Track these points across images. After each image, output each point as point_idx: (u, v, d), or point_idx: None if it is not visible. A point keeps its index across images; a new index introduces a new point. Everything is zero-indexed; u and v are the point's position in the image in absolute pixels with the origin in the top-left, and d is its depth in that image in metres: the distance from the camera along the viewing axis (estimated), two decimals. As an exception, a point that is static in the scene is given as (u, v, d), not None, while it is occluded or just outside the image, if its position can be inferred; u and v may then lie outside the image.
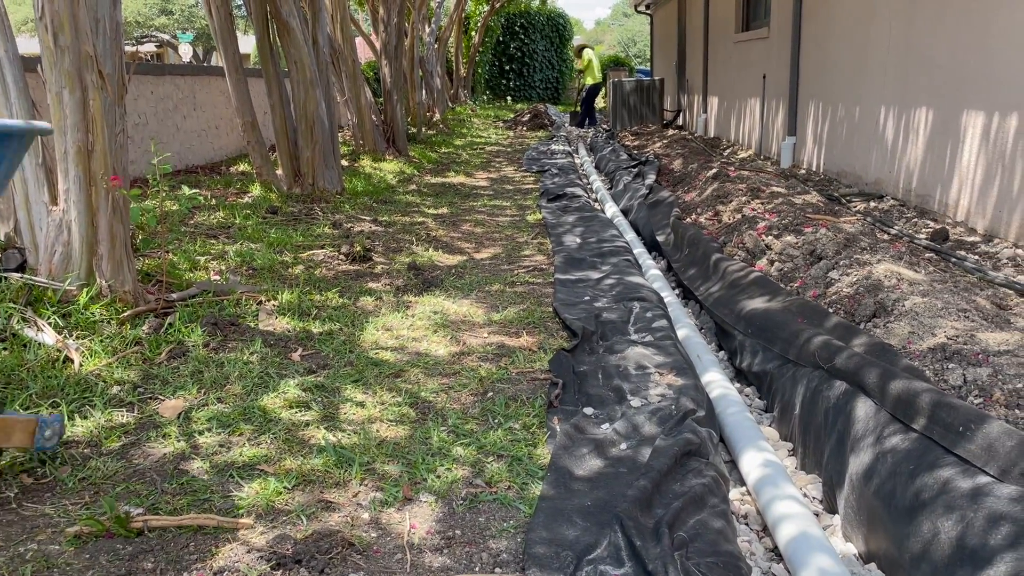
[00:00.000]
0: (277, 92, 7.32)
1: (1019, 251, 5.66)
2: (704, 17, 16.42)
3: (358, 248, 5.55)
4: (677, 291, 6.38)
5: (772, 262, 5.28)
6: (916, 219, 6.95)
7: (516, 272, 5.78)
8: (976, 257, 5.55)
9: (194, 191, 4.17)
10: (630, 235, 7.60)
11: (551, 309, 4.76)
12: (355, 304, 4.62)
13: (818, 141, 9.92)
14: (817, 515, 3.20)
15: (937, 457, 2.60)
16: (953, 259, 5.36)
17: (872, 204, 7.73)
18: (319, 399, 3.22)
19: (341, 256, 5.58)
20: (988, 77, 6.07)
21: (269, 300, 4.42)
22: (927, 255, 5.43)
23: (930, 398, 2.76)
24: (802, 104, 10.55)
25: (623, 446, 2.90)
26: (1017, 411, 2.77)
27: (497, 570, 2.17)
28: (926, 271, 4.38)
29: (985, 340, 3.25)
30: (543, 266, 6.05)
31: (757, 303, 4.66)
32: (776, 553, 2.88)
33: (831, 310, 4.19)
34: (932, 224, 6.63)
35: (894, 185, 7.76)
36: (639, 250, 6.98)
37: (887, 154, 7.91)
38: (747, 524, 3.12)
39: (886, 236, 5.89)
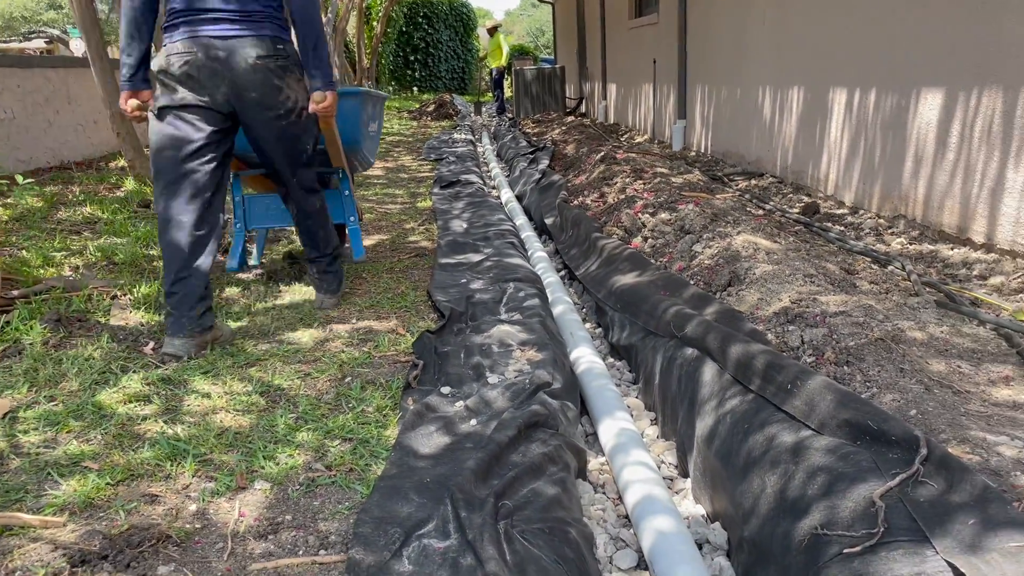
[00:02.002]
0: (147, 81, 7.02)
1: (881, 220, 5.90)
2: (600, 4, 16.58)
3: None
4: (563, 272, 6.43)
5: (646, 239, 5.36)
6: (792, 195, 7.17)
7: (399, 258, 5.71)
8: (841, 228, 5.76)
9: (28, 181, 3.95)
10: (521, 219, 7.62)
11: (426, 293, 4.72)
12: (221, 295, 4.47)
13: (706, 123, 10.15)
14: (672, 480, 3.27)
15: (769, 415, 2.67)
16: (816, 228, 5.54)
17: (753, 182, 7.94)
18: (162, 392, 3.10)
19: (212, 248, 5.40)
20: (852, 53, 6.29)
21: (125, 294, 4.23)
22: (796, 228, 5.61)
23: (765, 359, 2.83)
24: (691, 88, 10.76)
25: (473, 422, 2.88)
26: (845, 368, 2.86)
27: (322, 552, 2.12)
28: (785, 241, 4.51)
29: (826, 302, 3.36)
30: (427, 251, 6.00)
31: (628, 279, 4.72)
32: (627, 518, 2.92)
33: (692, 281, 4.28)
34: (806, 199, 6.85)
35: (772, 163, 8.00)
36: (528, 234, 7.00)
37: (766, 133, 8.14)
38: (603, 492, 3.15)
39: (760, 212, 6.05)
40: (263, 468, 2.56)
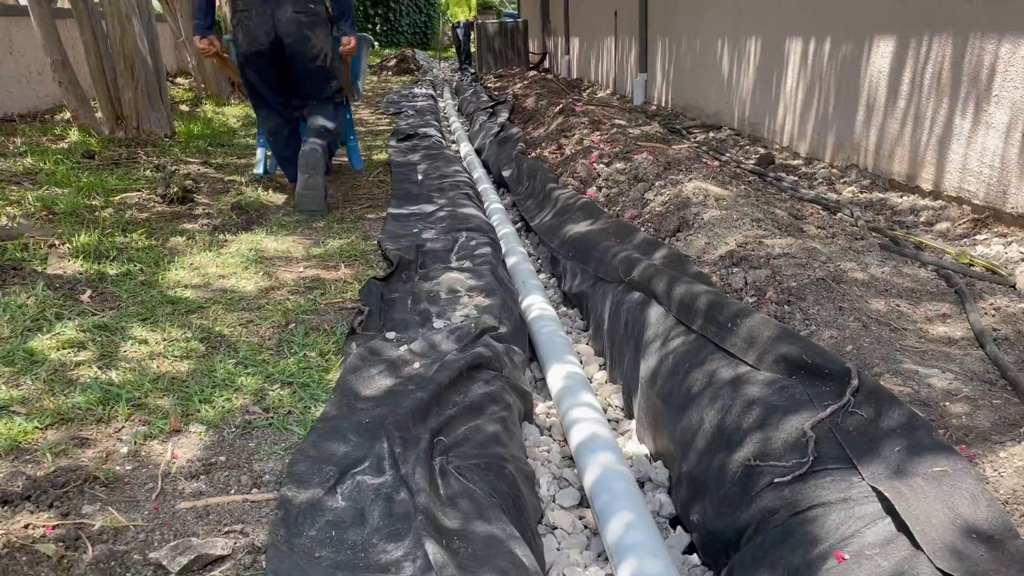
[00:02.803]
0: (89, 27, 6.77)
1: (834, 170, 5.93)
2: (562, -44, 16.34)
3: (176, 189, 5.25)
4: (519, 224, 6.39)
5: (600, 189, 5.34)
6: (748, 147, 7.18)
7: (351, 208, 5.63)
8: (795, 178, 5.78)
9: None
10: (479, 172, 7.54)
11: (376, 243, 4.66)
12: (163, 245, 4.37)
13: (667, 77, 10.09)
14: (617, 422, 3.29)
15: (709, 353, 2.68)
16: (771, 179, 5.56)
17: (711, 135, 7.93)
18: (99, 339, 3.02)
19: (157, 198, 5.27)
20: (807, 1, 6.27)
21: (64, 243, 4.12)
22: (750, 178, 5.62)
23: (707, 299, 2.84)
24: (652, 41, 10.68)
25: (416, 365, 2.86)
26: (786, 307, 2.88)
27: (255, 491, 2.09)
28: (736, 189, 4.51)
29: (772, 245, 3.37)
30: (380, 203, 5.91)
31: (581, 228, 4.70)
32: (571, 459, 2.93)
33: (642, 228, 4.27)
34: (762, 151, 6.86)
35: (731, 116, 7.99)
36: (485, 186, 6.94)
37: (724, 86, 8.11)
38: (550, 435, 3.16)
39: (716, 162, 6.05)
40: (199, 412, 2.52)
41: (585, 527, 2.63)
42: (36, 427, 2.35)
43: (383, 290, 3.66)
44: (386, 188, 6.52)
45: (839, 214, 4.71)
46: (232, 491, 2.09)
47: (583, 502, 2.71)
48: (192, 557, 1.72)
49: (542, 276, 5.08)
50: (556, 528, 2.61)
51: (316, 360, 2.95)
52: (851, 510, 1.83)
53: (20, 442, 2.27)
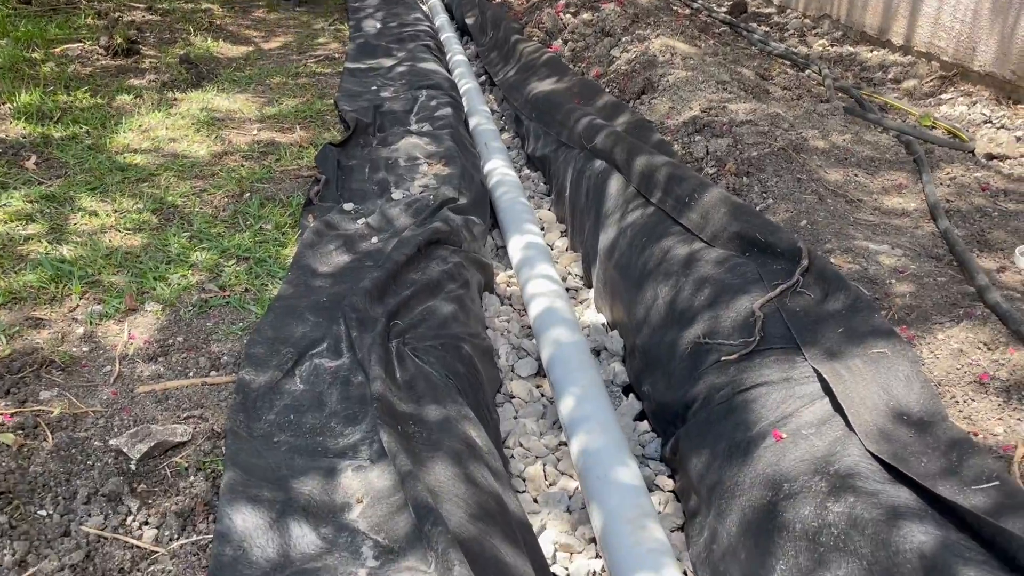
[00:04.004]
0: None
1: (807, 20, 5.76)
2: None
3: (119, 40, 4.97)
4: (482, 78, 6.19)
5: (566, 42, 5.14)
6: (721, -7, 6.90)
7: (305, 63, 5.39)
8: (766, 29, 5.61)
9: None
10: (441, 18, 7.18)
11: (333, 102, 4.50)
12: (110, 104, 4.18)
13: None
14: (576, 291, 3.33)
15: (666, 228, 2.69)
16: (741, 29, 5.39)
17: (683, -22, 7.59)
18: (47, 211, 2.95)
19: (101, 50, 4.99)
20: None
21: (4, 103, 3.92)
22: (720, 29, 5.44)
23: (667, 171, 2.81)
24: None
25: (374, 240, 2.84)
26: (745, 179, 2.87)
27: (213, 373, 2.12)
28: (705, 44, 4.37)
29: (735, 111, 3.31)
30: (336, 55, 5.66)
31: (545, 86, 4.56)
32: (530, 328, 2.98)
33: (607, 89, 4.16)
34: (735, -2, 6.61)
35: (704, -43, 7.61)
36: (448, 35, 6.63)
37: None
38: (510, 304, 3.20)
39: (686, 11, 5.82)
40: (154, 289, 2.50)
41: (542, 395, 2.72)
42: (-13, 308, 2.32)
43: (340, 156, 3.57)
44: (341, 37, 6.24)
45: (807, 71, 4.62)
46: (191, 374, 2.11)
47: (540, 371, 2.78)
48: (152, 444, 1.76)
49: (506, 136, 4.97)
50: (514, 397, 2.70)
51: (272, 233, 2.92)
52: (792, 389, 1.91)
53: (-28, 325, 2.25)
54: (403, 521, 1.53)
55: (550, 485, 2.34)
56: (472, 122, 4.65)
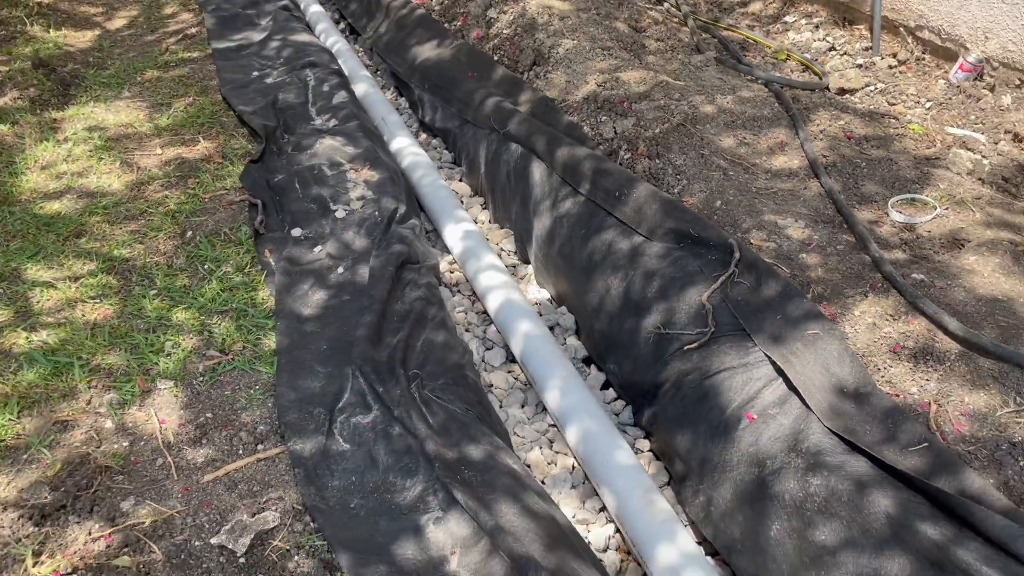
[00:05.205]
0: None
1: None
2: None
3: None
4: (342, 25, 6.15)
5: (433, -4, 5.22)
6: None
7: (165, 46, 5.20)
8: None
9: None
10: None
11: (220, 96, 4.46)
12: (-11, 140, 4.01)
13: None
14: (515, 267, 3.67)
15: (602, 220, 3.05)
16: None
17: None
18: (2, 292, 2.96)
19: (-57, 69, 4.64)
20: None
21: None
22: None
23: (591, 164, 3.16)
24: None
25: (340, 270, 3.05)
26: (657, 161, 3.26)
27: (259, 447, 2.36)
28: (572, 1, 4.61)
29: (627, 81, 3.64)
30: (192, 28, 5.48)
31: (427, 50, 4.69)
32: (485, 314, 3.32)
33: (496, 57, 4.37)
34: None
35: None
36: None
37: None
38: (460, 293, 3.51)
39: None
40: (157, 365, 2.65)
41: (516, 380, 3.10)
42: (9, 419, 2.42)
43: (263, 173, 3.66)
44: (188, 2, 5.99)
45: (665, 3, 4.97)
46: (240, 451, 2.34)
47: (509, 358, 3.15)
48: (252, 535, 2.03)
49: (389, 96, 5.09)
50: (493, 387, 3.06)
51: (238, 278, 3.06)
52: (750, 372, 2.38)
53: (4, 439, 2.35)
54: (497, 566, 1.91)
55: (548, 464, 2.76)
56: (359, 91, 4.74)
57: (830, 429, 2.10)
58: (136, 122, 4.20)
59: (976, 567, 1.68)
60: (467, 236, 3.50)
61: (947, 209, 2.84)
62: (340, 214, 3.35)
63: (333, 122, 4.08)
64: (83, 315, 2.87)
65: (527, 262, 3.62)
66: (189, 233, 3.31)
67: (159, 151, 3.93)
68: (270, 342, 2.76)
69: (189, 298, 2.95)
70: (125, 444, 2.37)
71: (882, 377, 2.26)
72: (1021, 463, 1.93)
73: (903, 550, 1.82)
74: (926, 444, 1.99)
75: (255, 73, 4.70)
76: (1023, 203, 2.91)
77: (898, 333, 2.34)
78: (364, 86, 4.83)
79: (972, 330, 2.21)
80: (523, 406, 2.96)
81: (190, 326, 2.82)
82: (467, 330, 3.29)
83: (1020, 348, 2.14)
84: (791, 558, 2.02)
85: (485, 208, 4.02)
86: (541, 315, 3.31)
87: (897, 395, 2.19)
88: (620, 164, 3.33)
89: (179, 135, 4.08)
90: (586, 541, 2.35)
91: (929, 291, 2.42)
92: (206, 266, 3.12)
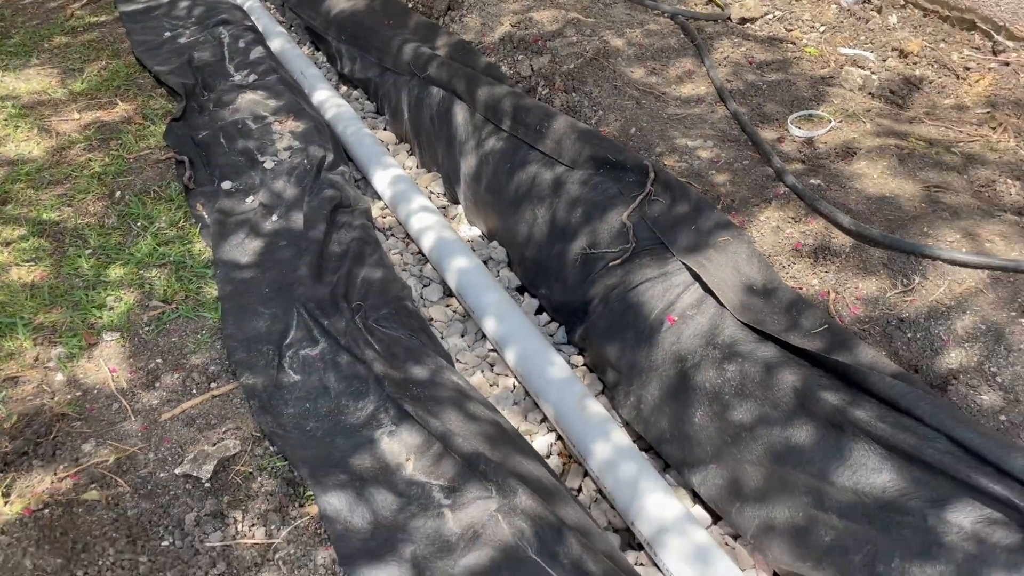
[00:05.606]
0: None
1: None
2: None
3: None
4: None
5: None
6: None
7: (69, 11, 5.08)
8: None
9: None
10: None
11: (134, 59, 4.42)
12: None
13: None
14: (445, 207, 3.80)
15: (526, 154, 3.20)
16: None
17: None
18: (-69, 262, 2.95)
19: None
20: None
21: None
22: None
23: (511, 102, 3.28)
24: None
25: (274, 218, 3.12)
26: (574, 94, 3.40)
27: (212, 385, 2.46)
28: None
29: (540, 20, 3.77)
30: (97, -5, 5.36)
31: (342, 2, 4.72)
32: (420, 254, 3.45)
33: (410, 4, 4.43)
34: None
35: None
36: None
37: None
38: (394, 236, 3.62)
39: None
40: (101, 318, 2.70)
41: (454, 313, 3.24)
42: (-42, 381, 2.46)
43: (187, 130, 3.68)
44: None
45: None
46: (194, 391, 2.44)
47: (446, 292, 3.29)
48: (215, 462, 2.14)
49: (306, 51, 5.10)
50: (432, 320, 3.20)
51: (172, 232, 3.11)
52: (669, 280, 2.57)
53: (-46, 401, 2.40)
54: (449, 465, 2.07)
55: (491, 385, 2.93)
56: (274, 47, 4.75)
57: (742, 322, 2.31)
58: (49, 88, 4.14)
59: (871, 423, 1.92)
60: (396, 181, 3.60)
61: (841, 122, 3.07)
62: (269, 165, 3.41)
63: (252, 77, 4.10)
64: (19, 278, 2.89)
65: (457, 202, 3.74)
66: (118, 193, 3.33)
67: (76, 116, 3.90)
68: (212, 290, 2.83)
69: (125, 254, 2.99)
70: (79, 394, 2.44)
71: (786, 273, 2.48)
72: (908, 335, 2.17)
73: (809, 418, 2.05)
74: (826, 327, 2.22)
75: (167, 34, 4.65)
76: (908, 112, 3.16)
77: (799, 233, 2.56)
78: (280, 42, 4.84)
79: (863, 224, 2.44)
80: (463, 335, 3.11)
81: (129, 280, 2.87)
82: (404, 270, 3.41)
83: (905, 237, 2.38)
84: (714, 440, 2.24)
85: (412, 154, 4.11)
86: (474, 251, 3.45)
87: (800, 287, 2.41)
88: (539, 100, 3.47)
89: (95, 99, 4.05)
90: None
91: (825, 194, 2.65)
92: (139, 223, 3.16)
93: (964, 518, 1.76)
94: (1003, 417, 1.93)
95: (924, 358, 2.12)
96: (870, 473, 1.91)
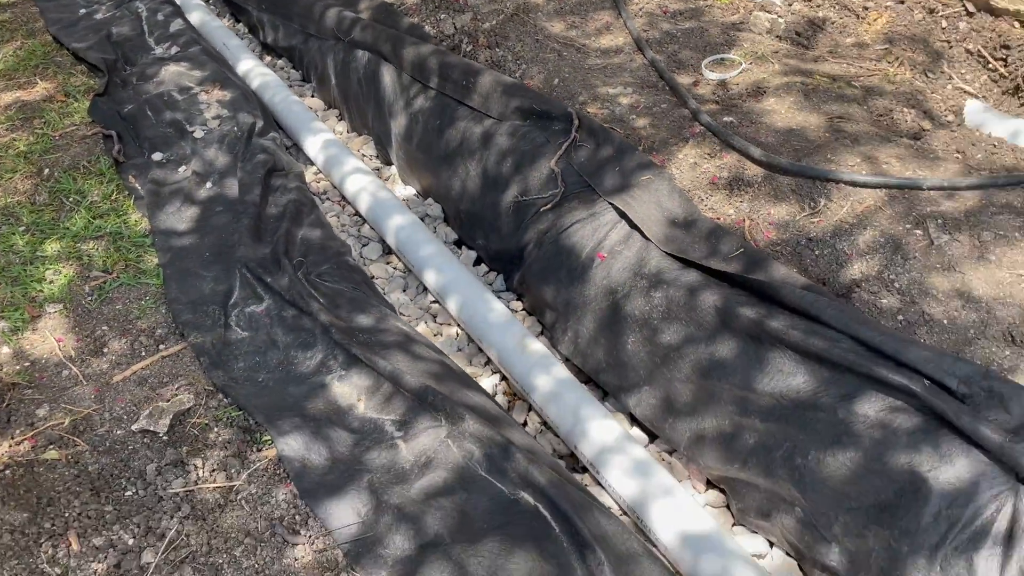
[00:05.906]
0: None
1: None
2: None
3: None
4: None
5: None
6: None
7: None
8: None
9: None
10: None
11: (50, 37, 4.34)
12: None
13: None
14: (379, 169, 3.87)
15: (454, 110, 3.29)
16: None
17: None
18: None
19: None
20: None
21: None
22: None
23: (436, 60, 3.36)
24: None
25: (208, 185, 3.16)
26: (498, 50, 3.50)
27: (162, 347, 2.51)
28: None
29: (462, -18, 3.83)
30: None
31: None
32: (357, 216, 3.52)
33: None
34: None
35: None
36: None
37: None
38: (329, 199, 3.68)
39: None
40: (42, 292, 2.72)
41: (395, 270, 3.33)
42: (-100, 361, 2.46)
43: (112, 105, 3.66)
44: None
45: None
46: (143, 353, 2.49)
47: (386, 251, 3.38)
48: (171, 416, 2.21)
49: (226, 23, 5.06)
50: (374, 278, 3.29)
51: (106, 205, 3.12)
52: (598, 220, 2.71)
53: (-99, 380, 2.40)
54: (399, 402, 2.18)
55: (435, 335, 3.04)
56: (194, 19, 4.72)
57: (666, 252, 2.46)
58: (-38, 70, 4.05)
59: (785, 331, 2.09)
60: (328, 145, 3.65)
61: (751, 64, 3.23)
62: (199, 134, 3.43)
63: (175, 49, 4.08)
64: (-48, 258, 2.87)
65: (390, 164, 3.81)
66: (46, 171, 3.31)
67: (-5, 97, 3.84)
68: (152, 258, 2.87)
69: (60, 229, 3.00)
70: (27, 364, 2.47)
71: (705, 205, 2.64)
72: (816, 253, 2.35)
73: (730, 333, 2.22)
74: (742, 251, 2.38)
75: (82, 11, 4.57)
76: (813, 52, 3.34)
77: (715, 168, 2.72)
78: (199, 14, 4.79)
79: (773, 155, 2.61)
80: (404, 290, 3.20)
81: (67, 254, 2.89)
82: (342, 231, 3.47)
83: (811, 164, 2.56)
84: (646, 363, 2.40)
85: (341, 119, 4.15)
86: (410, 208, 3.54)
87: (718, 217, 2.58)
88: (464, 57, 3.55)
89: (14, 79, 3.98)
90: (475, 387, 2.66)
91: (738, 130, 2.81)
92: (71, 199, 3.16)
93: (870, 408, 1.94)
94: (901, 317, 2.12)
95: (831, 271, 2.30)
96: (786, 377, 2.09)
